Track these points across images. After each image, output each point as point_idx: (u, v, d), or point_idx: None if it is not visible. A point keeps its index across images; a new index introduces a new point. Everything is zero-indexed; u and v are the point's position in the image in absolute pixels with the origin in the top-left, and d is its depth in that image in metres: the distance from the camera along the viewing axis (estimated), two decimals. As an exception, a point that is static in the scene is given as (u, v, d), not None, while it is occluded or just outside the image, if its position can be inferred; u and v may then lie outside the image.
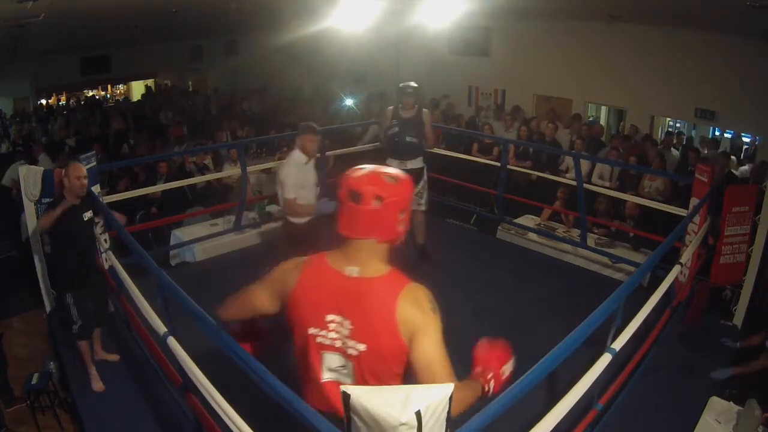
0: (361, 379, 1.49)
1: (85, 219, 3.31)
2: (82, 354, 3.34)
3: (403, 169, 4.15)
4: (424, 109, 4.64)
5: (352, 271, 1.49)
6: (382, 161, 6.38)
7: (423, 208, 4.64)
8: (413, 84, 4.59)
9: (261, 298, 1.64)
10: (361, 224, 1.48)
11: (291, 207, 3.64)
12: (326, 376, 1.54)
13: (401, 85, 4.59)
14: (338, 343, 1.49)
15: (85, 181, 3.28)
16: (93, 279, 3.41)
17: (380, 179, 1.47)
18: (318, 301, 1.50)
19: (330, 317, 1.49)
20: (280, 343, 1.86)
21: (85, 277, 3.31)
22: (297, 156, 3.70)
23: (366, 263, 1.50)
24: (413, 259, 4.65)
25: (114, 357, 3.59)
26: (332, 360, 1.52)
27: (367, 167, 1.52)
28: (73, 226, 3.21)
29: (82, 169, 3.28)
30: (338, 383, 1.48)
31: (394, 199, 1.46)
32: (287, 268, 1.59)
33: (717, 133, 7.57)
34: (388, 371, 1.49)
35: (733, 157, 6.89)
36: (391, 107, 4.66)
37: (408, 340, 1.45)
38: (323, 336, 1.51)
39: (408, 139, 4.50)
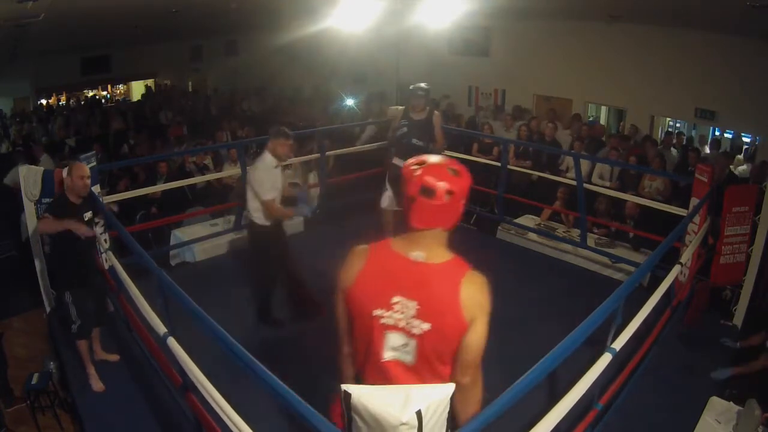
0: (422, 357, 1.57)
1: (86, 219, 3.31)
2: (80, 353, 3.35)
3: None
4: (435, 112, 4.63)
5: (418, 256, 1.58)
6: (380, 161, 6.40)
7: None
8: (424, 86, 4.51)
9: (341, 304, 1.71)
10: (433, 217, 1.56)
11: (271, 208, 3.63)
12: (387, 355, 1.60)
13: (412, 87, 4.54)
14: (402, 323, 1.56)
15: (88, 181, 3.28)
16: (92, 279, 3.41)
17: (447, 174, 1.54)
18: (383, 284, 1.58)
19: (395, 299, 1.56)
20: None
21: (85, 277, 3.31)
22: (268, 159, 3.66)
23: (431, 249, 1.59)
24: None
25: (114, 357, 3.59)
26: (395, 339, 1.58)
27: (428, 160, 1.58)
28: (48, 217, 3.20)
29: (85, 168, 3.28)
30: (399, 362, 1.58)
31: (462, 191, 1.56)
32: (351, 260, 1.66)
33: (717, 133, 7.57)
34: (448, 348, 1.59)
35: (739, 156, 6.91)
36: (401, 107, 4.65)
37: (470, 321, 1.57)
38: (388, 317, 1.57)
39: (414, 141, 4.48)
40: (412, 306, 1.55)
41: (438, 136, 4.61)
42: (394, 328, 1.57)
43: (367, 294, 1.59)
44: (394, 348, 1.59)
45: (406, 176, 1.57)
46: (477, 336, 1.60)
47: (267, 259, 3.83)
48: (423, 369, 1.59)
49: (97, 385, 3.33)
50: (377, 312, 1.57)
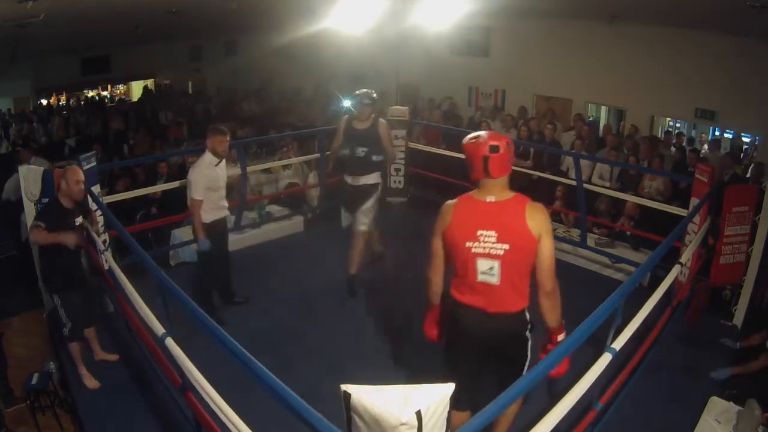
0: (505, 276, 2.14)
1: (77, 224, 3.32)
2: (72, 355, 3.37)
3: (355, 185, 4.11)
4: (381, 120, 4.30)
5: (491, 198, 2.17)
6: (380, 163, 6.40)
7: (363, 228, 4.31)
8: (371, 93, 4.23)
9: (438, 244, 2.30)
10: (501, 167, 2.15)
11: (193, 208, 3.73)
12: (480, 278, 2.16)
13: (357, 93, 4.26)
14: (488, 249, 2.13)
15: (83, 186, 3.30)
16: (81, 281, 3.42)
17: (499, 135, 2.21)
18: (470, 222, 2.16)
19: (480, 232, 2.13)
20: None
21: (72, 280, 3.31)
22: (208, 158, 3.77)
23: (499, 193, 2.18)
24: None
25: (114, 357, 3.60)
26: (483, 264, 2.14)
27: (480, 132, 2.23)
28: (65, 230, 3.20)
29: (80, 172, 3.30)
30: (487, 283, 2.16)
31: (511, 144, 2.19)
32: (444, 211, 2.26)
33: (717, 133, 7.58)
34: (524, 263, 2.16)
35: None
36: (345, 116, 4.37)
37: (537, 236, 2.13)
38: (476, 246, 2.14)
39: (359, 152, 4.17)
40: (492, 234, 2.11)
41: (386, 146, 4.26)
42: (482, 255, 2.13)
43: (460, 231, 2.17)
44: (483, 272, 2.15)
45: (471, 146, 2.16)
46: (547, 248, 2.16)
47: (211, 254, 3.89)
48: (506, 287, 2.16)
49: (91, 383, 3.35)
50: (468, 244, 2.15)
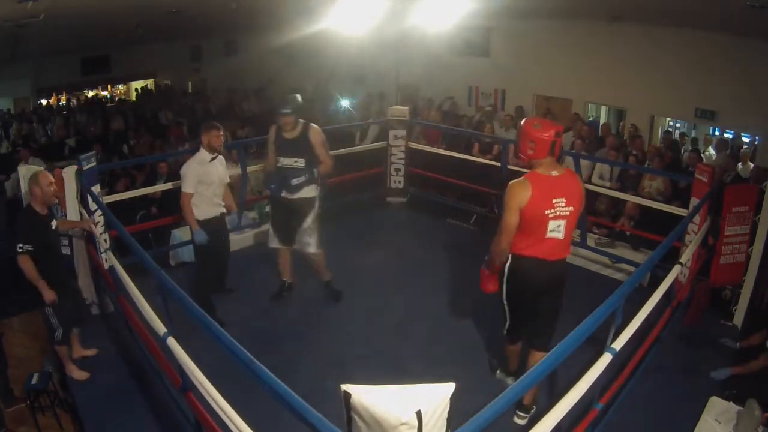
0: (567, 232, 2.73)
1: (53, 228, 3.35)
2: (61, 356, 3.42)
3: (289, 199, 3.81)
4: (311, 126, 3.83)
5: (555, 173, 2.69)
6: (380, 161, 6.41)
7: (312, 249, 3.98)
8: (294, 98, 3.79)
9: (515, 219, 2.69)
10: (560, 148, 2.69)
11: (184, 200, 3.78)
12: (548, 235, 2.71)
13: (280, 101, 3.84)
14: (558, 212, 2.67)
15: (55, 188, 3.31)
16: (66, 284, 3.44)
17: (554, 122, 2.79)
18: (547, 194, 2.65)
19: (555, 200, 2.65)
20: None
21: (59, 286, 3.29)
22: (202, 153, 3.84)
23: (557, 168, 2.71)
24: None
25: (91, 352, 3.65)
26: (554, 224, 2.69)
27: (539, 119, 2.90)
28: (46, 239, 3.23)
29: (50, 175, 3.31)
30: (554, 238, 2.71)
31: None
32: (520, 191, 2.66)
33: (717, 133, 7.58)
34: (576, 220, 2.77)
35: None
36: (274, 126, 3.88)
37: (584, 199, 2.78)
38: (552, 211, 2.66)
39: (290, 163, 3.82)
40: (562, 200, 2.66)
41: (320, 154, 3.84)
42: (556, 216, 2.67)
43: (540, 203, 2.63)
44: (552, 230, 2.70)
45: (538, 132, 2.65)
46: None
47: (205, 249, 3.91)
48: (566, 240, 2.75)
49: (79, 374, 3.41)
50: (547, 212, 2.65)
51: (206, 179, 3.79)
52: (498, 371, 3.40)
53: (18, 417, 3.53)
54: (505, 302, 2.98)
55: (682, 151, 7.21)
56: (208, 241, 3.80)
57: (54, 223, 3.37)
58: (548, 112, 8.21)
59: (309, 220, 3.93)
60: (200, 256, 3.97)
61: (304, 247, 3.99)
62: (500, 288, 2.95)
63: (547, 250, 2.75)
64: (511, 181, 2.72)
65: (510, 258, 2.84)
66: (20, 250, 3.09)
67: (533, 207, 2.63)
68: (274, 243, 4.08)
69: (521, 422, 2.95)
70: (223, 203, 4.01)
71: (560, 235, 2.70)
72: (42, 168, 4.21)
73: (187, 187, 3.75)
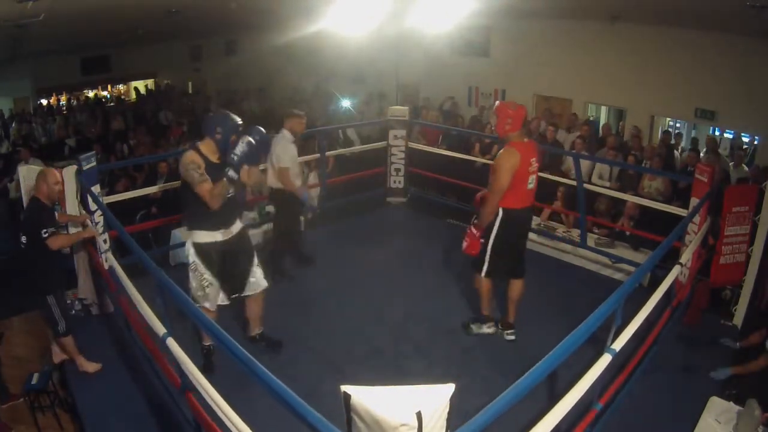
0: (536, 183, 3.49)
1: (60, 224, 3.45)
2: (68, 349, 3.44)
3: (232, 235, 3.18)
4: (186, 154, 3.05)
5: (525, 139, 3.43)
6: (380, 161, 6.41)
7: (267, 283, 3.45)
8: (221, 114, 3.15)
9: (509, 180, 3.31)
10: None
11: (284, 176, 4.27)
12: (528, 187, 3.43)
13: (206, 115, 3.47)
14: (533, 169, 3.42)
15: (60, 188, 3.43)
16: (65, 275, 3.53)
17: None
18: (527, 156, 3.35)
19: (531, 160, 3.39)
20: None
21: (61, 274, 3.44)
22: (288, 135, 4.32)
23: (525, 135, 3.45)
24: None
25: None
26: (531, 179, 3.42)
27: (510, 102, 3.64)
28: (55, 227, 3.29)
29: (57, 174, 3.42)
30: (531, 190, 3.47)
31: None
32: (512, 157, 3.29)
33: (717, 133, 7.58)
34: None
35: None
36: (190, 151, 3.03)
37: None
38: (531, 168, 3.39)
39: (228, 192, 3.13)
40: (534, 159, 3.41)
41: (250, 174, 3.19)
42: (532, 173, 3.41)
43: (525, 163, 3.33)
44: (530, 183, 3.43)
45: (513, 109, 3.37)
46: None
47: (283, 216, 4.52)
48: (534, 189, 3.49)
49: (91, 367, 3.43)
50: (528, 169, 3.37)
51: (293, 156, 4.35)
52: (472, 326, 3.87)
53: (13, 414, 3.54)
54: (489, 250, 3.55)
55: (680, 152, 7.22)
56: (287, 211, 4.45)
57: (56, 215, 3.46)
58: (549, 111, 8.20)
59: (255, 254, 3.40)
60: (286, 221, 4.56)
61: (261, 284, 3.40)
62: (487, 240, 3.52)
63: (527, 200, 3.50)
64: (501, 152, 3.37)
65: (501, 212, 3.44)
66: (46, 235, 3.19)
67: (521, 168, 3.32)
68: (222, 300, 3.31)
69: (511, 338, 3.78)
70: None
71: (533, 186, 3.47)
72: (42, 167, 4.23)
73: (285, 163, 4.25)
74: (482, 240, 3.52)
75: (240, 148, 2.97)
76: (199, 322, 2.13)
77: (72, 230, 3.84)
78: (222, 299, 3.31)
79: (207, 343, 3.36)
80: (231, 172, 2.97)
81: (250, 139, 3.01)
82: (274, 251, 4.67)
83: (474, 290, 3.90)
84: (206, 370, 3.09)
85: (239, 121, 3.05)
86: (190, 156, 2.97)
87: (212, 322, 2.08)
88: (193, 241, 3.11)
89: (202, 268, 3.12)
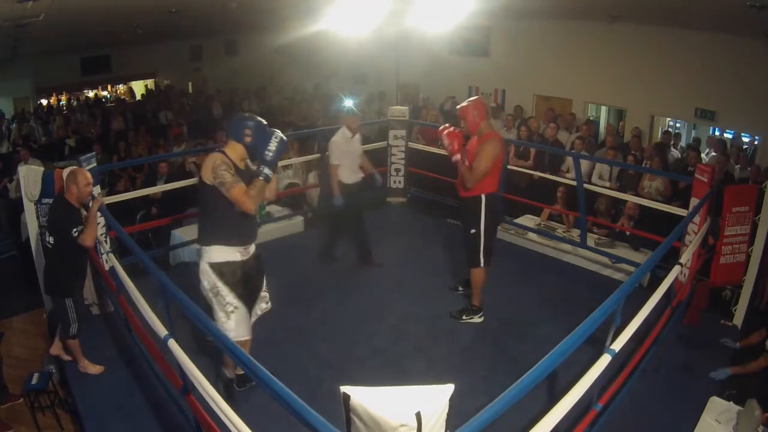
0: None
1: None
2: (74, 351, 3.44)
3: (251, 256, 2.93)
4: (212, 156, 2.77)
5: (494, 128, 3.78)
6: (381, 161, 6.40)
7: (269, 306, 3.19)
8: (248, 116, 2.87)
9: (490, 166, 3.65)
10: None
11: (332, 170, 4.59)
12: (501, 173, 3.88)
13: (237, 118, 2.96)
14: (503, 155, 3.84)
15: (91, 188, 3.38)
16: (83, 278, 3.52)
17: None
18: (503, 146, 3.74)
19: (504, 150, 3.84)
20: None
21: (81, 277, 3.44)
22: (343, 132, 4.61)
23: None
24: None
25: (69, 357, 3.64)
26: (504, 165, 4.03)
27: (470, 98, 3.90)
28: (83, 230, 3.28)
29: (89, 175, 3.37)
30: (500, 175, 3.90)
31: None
32: (496, 145, 3.63)
33: (717, 133, 7.58)
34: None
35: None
36: (218, 153, 2.77)
37: None
38: (504, 156, 3.79)
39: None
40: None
41: (233, 193, 2.70)
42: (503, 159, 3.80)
43: (502, 151, 3.71)
44: (503, 169, 3.92)
45: (480, 104, 3.79)
46: None
47: (346, 209, 4.69)
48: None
49: (94, 368, 3.43)
50: (503, 156, 3.76)
51: (347, 152, 4.58)
52: (464, 316, 4.03)
53: (14, 415, 3.54)
54: (483, 239, 3.77)
55: (679, 151, 7.21)
56: (344, 205, 4.58)
57: (82, 215, 3.41)
58: (551, 111, 8.20)
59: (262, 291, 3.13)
60: (336, 211, 4.69)
61: (262, 307, 3.15)
62: (478, 229, 3.75)
63: (498, 184, 3.79)
64: (488, 140, 3.63)
65: (484, 198, 3.70)
66: (76, 234, 3.20)
67: (500, 155, 3.70)
68: (246, 331, 2.93)
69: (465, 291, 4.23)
70: (360, 170, 4.75)
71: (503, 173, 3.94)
72: (42, 168, 4.23)
73: (333, 159, 4.55)
74: (473, 231, 3.78)
75: (274, 145, 2.74)
76: (200, 323, 2.13)
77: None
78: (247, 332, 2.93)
79: (231, 374, 3.07)
80: (267, 170, 2.72)
81: (282, 136, 2.81)
82: (330, 238, 5.01)
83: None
84: (229, 398, 2.78)
85: (265, 123, 2.86)
86: (219, 157, 2.70)
87: (213, 323, 2.08)
88: (210, 261, 2.77)
89: (225, 290, 2.77)
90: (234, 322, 2.82)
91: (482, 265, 3.85)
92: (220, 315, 2.80)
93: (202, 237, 2.82)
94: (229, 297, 2.79)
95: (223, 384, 3.05)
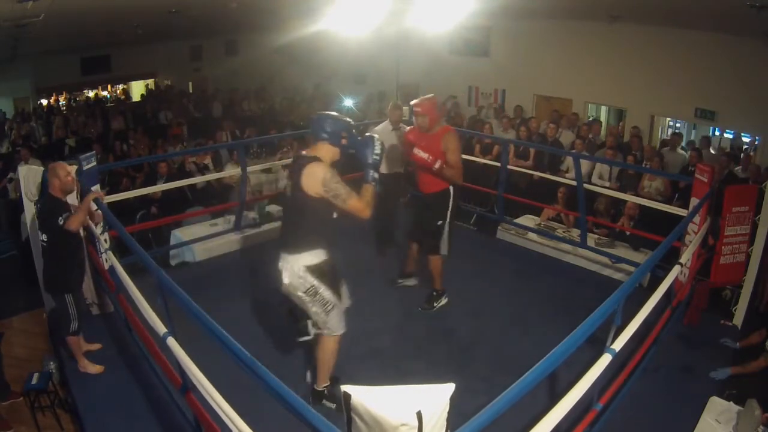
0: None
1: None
2: (73, 348, 3.42)
3: (328, 257, 2.89)
4: (315, 168, 2.70)
5: None
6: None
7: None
8: (337, 117, 2.82)
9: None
10: None
11: None
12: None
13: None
14: None
15: (72, 177, 3.39)
16: (83, 271, 3.52)
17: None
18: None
19: None
20: None
21: (79, 271, 3.45)
22: (385, 124, 4.84)
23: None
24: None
25: (97, 346, 3.66)
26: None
27: (420, 99, 3.89)
28: (70, 215, 3.28)
29: (66, 166, 3.39)
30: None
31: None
32: (457, 135, 3.84)
33: (717, 133, 7.59)
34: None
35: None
36: (320, 164, 2.69)
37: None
38: None
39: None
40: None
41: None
42: None
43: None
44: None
45: (435, 104, 3.85)
46: None
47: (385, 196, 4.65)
48: None
49: (94, 368, 3.42)
50: None
51: (389, 144, 4.43)
52: (435, 303, 4.15)
53: (13, 413, 3.54)
54: (447, 229, 3.90)
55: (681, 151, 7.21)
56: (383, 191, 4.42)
57: (70, 206, 3.43)
58: (555, 113, 8.20)
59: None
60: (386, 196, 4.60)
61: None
62: (444, 220, 3.86)
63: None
64: (450, 133, 3.78)
65: (452, 190, 3.84)
66: (62, 221, 3.20)
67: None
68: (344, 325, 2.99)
69: (411, 283, 4.38)
70: (401, 164, 4.81)
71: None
72: (42, 168, 4.23)
73: None
74: (439, 222, 3.88)
75: (378, 148, 2.71)
76: (200, 322, 2.13)
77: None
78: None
79: (323, 386, 3.04)
80: (374, 174, 2.70)
81: (376, 135, 2.80)
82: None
83: (476, 291, 3.91)
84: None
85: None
86: (324, 169, 2.62)
87: (212, 322, 2.08)
88: (306, 264, 2.75)
89: (322, 289, 2.78)
90: (334, 318, 2.85)
91: (444, 253, 3.97)
92: (320, 314, 2.82)
93: (294, 244, 2.76)
94: (327, 294, 2.81)
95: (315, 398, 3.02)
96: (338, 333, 2.90)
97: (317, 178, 2.61)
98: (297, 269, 2.75)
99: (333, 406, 2.99)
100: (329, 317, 2.84)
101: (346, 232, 5.62)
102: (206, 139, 8.31)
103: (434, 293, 4.17)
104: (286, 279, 2.78)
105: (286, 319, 3.04)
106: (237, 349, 1.87)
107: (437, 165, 3.68)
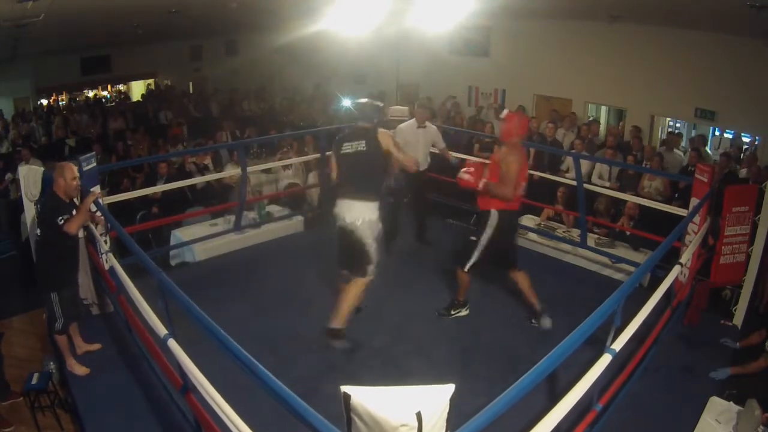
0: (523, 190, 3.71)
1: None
2: (61, 347, 3.43)
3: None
4: (387, 133, 3.78)
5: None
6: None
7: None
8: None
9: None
10: None
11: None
12: (520, 192, 3.67)
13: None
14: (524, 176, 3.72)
15: (78, 182, 3.38)
16: (73, 273, 3.50)
17: None
18: (526, 164, 3.75)
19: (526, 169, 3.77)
20: None
21: (70, 276, 3.43)
22: (411, 121, 5.08)
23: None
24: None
25: (96, 346, 3.66)
26: (523, 185, 3.69)
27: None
28: (71, 218, 3.28)
29: (75, 170, 3.39)
30: (522, 195, 3.75)
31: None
32: (521, 158, 3.60)
33: (717, 133, 7.58)
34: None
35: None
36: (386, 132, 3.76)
37: None
38: (524, 174, 3.71)
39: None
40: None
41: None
42: (524, 179, 3.70)
43: (524, 170, 3.71)
44: (522, 188, 3.69)
45: (522, 119, 3.85)
46: None
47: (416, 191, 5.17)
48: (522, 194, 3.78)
49: (80, 369, 3.41)
50: (524, 175, 3.68)
51: (411, 141, 4.90)
52: (452, 311, 4.08)
53: (18, 417, 3.54)
54: (480, 249, 3.75)
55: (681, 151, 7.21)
56: (400, 188, 4.79)
57: (72, 209, 3.42)
58: (555, 113, 8.20)
59: None
60: (394, 193, 4.85)
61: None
62: (478, 240, 3.73)
63: (517, 203, 3.74)
64: (514, 152, 3.52)
65: (497, 215, 3.66)
66: (62, 222, 3.21)
67: (522, 172, 3.61)
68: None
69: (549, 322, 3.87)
70: (420, 160, 4.89)
71: (522, 192, 3.71)
72: (42, 168, 4.24)
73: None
74: (473, 238, 3.81)
75: None
76: (200, 323, 2.13)
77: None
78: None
79: (340, 325, 3.58)
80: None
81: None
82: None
83: (476, 291, 3.91)
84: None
85: None
86: (388, 133, 3.57)
87: (212, 322, 2.07)
88: (377, 215, 3.44)
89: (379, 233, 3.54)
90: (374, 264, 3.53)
91: (467, 269, 3.86)
92: (374, 258, 3.50)
93: (372, 194, 3.42)
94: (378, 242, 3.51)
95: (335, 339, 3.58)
96: (371, 278, 3.56)
97: (388, 138, 3.46)
98: (372, 218, 3.39)
99: (344, 345, 3.57)
100: (375, 263, 3.50)
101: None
102: (206, 139, 8.30)
103: (456, 302, 4.13)
104: (359, 222, 3.37)
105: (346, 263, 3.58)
106: (236, 349, 1.87)
107: (480, 184, 3.60)
